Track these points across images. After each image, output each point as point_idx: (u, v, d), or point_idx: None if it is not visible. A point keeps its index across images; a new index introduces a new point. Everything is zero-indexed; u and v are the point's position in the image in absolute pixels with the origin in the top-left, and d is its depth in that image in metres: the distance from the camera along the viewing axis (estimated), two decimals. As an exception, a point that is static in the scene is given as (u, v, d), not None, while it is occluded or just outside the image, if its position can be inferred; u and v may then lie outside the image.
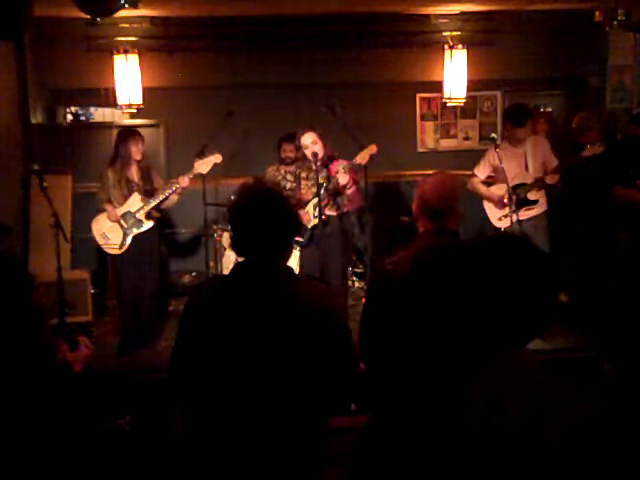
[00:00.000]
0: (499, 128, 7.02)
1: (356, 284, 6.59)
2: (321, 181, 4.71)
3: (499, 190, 5.25)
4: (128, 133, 5.18)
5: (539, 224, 5.23)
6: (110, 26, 6.33)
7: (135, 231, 5.12)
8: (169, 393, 2.27)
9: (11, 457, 1.77)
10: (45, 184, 4.78)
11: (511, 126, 5.22)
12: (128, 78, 6.23)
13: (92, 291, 5.96)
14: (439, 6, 6.61)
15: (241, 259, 2.20)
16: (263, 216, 2.12)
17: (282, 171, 5.96)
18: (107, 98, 6.52)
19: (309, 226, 4.96)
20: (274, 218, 2.13)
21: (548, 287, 1.40)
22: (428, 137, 7.34)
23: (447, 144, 7.34)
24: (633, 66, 6.60)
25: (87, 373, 2.32)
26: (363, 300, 3.64)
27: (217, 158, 5.14)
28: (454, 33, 6.85)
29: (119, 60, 6.24)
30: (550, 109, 7.65)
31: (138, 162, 5.13)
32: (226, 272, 5.18)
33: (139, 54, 6.31)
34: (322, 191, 4.70)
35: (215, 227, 5.94)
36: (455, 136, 7.36)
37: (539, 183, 5.21)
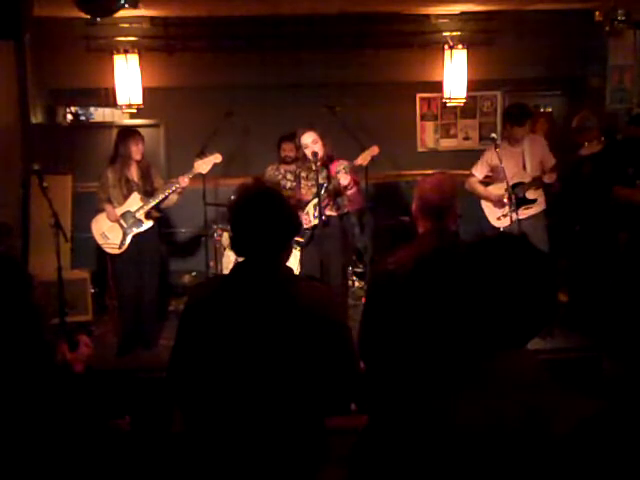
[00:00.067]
0: (499, 128, 7.01)
1: (356, 284, 6.58)
2: (321, 181, 4.71)
3: (497, 190, 5.26)
4: (128, 133, 5.19)
5: (538, 223, 5.24)
6: (110, 26, 6.34)
7: (135, 231, 5.12)
8: (169, 393, 2.28)
9: (11, 457, 1.77)
10: (45, 184, 4.77)
11: (510, 126, 5.23)
12: (128, 78, 6.24)
13: (92, 291, 5.96)
14: (439, 6, 6.62)
15: (241, 259, 2.20)
16: (263, 216, 2.12)
17: (282, 170, 5.96)
18: (107, 98, 6.54)
19: (309, 227, 4.95)
20: (274, 218, 2.13)
21: (547, 287, 1.40)
22: (428, 137, 7.34)
23: (447, 144, 7.34)
24: (633, 66, 6.58)
25: (87, 373, 2.32)
26: (363, 300, 3.64)
27: (217, 158, 5.14)
28: (454, 33, 6.86)
29: (119, 60, 6.25)
30: (550, 109, 7.65)
31: (138, 162, 5.13)
32: (226, 272, 5.17)
33: (139, 54, 6.32)
34: (322, 191, 4.69)
35: (215, 227, 5.93)
36: (455, 136, 7.36)
37: (537, 182, 5.22)
